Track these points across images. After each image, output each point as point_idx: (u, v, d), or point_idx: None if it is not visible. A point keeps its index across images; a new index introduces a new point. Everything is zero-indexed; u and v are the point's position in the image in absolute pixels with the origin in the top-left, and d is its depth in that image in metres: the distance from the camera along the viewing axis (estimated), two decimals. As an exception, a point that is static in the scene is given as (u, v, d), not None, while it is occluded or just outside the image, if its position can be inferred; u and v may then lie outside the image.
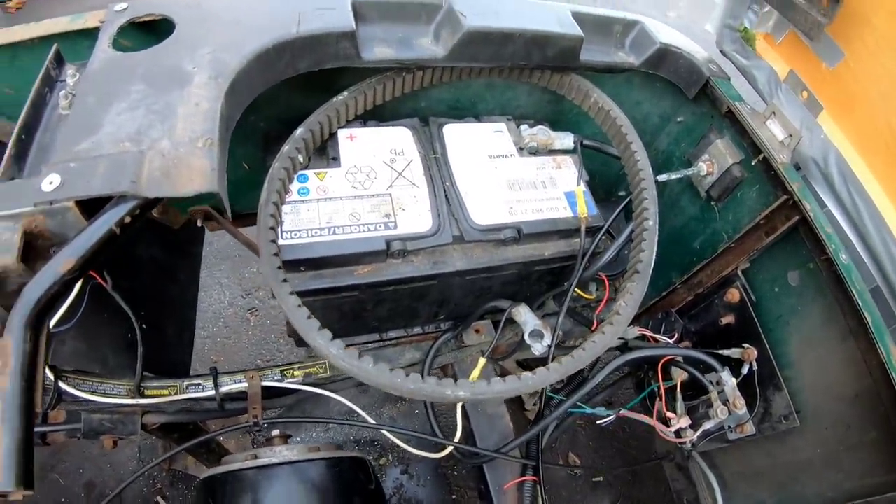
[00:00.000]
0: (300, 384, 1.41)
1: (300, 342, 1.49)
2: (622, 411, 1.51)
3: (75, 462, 2.21)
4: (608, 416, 1.50)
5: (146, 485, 2.14)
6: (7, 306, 0.85)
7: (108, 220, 0.91)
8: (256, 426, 1.32)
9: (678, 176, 1.45)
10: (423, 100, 1.46)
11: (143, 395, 1.38)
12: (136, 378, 1.36)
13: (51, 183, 0.89)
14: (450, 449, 1.39)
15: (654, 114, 1.55)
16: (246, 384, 1.39)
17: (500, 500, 1.42)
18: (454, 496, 2.09)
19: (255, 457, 1.22)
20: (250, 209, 1.74)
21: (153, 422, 1.46)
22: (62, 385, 1.29)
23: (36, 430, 1.55)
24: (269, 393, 1.41)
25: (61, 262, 0.88)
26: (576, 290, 1.41)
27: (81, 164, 0.91)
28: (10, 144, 1.07)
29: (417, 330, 1.51)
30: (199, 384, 1.41)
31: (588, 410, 1.51)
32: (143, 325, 1.39)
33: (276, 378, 1.41)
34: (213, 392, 1.39)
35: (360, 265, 1.21)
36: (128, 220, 0.93)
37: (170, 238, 1.62)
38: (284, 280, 1.06)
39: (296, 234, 1.17)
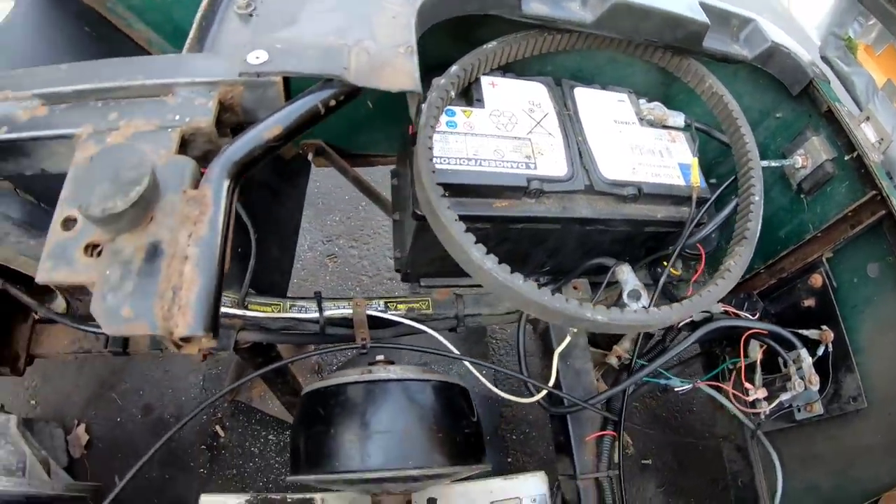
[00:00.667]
0: (402, 317, 1.50)
1: (406, 277, 1.59)
2: (698, 381, 1.62)
3: (135, 383, 2.26)
4: (685, 385, 1.61)
5: (207, 413, 2.19)
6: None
7: (315, 98, 1.00)
8: (364, 349, 1.40)
9: (777, 164, 1.60)
10: (550, 64, 1.59)
11: (247, 309, 1.44)
12: (243, 290, 1.42)
13: (257, 58, 0.98)
14: (541, 395, 1.48)
15: (754, 108, 1.70)
16: (350, 311, 1.47)
17: (580, 451, 1.51)
18: (510, 459, 2.17)
19: (370, 373, 1.29)
20: (362, 150, 1.85)
21: (247, 339, 1.53)
22: None
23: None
24: (369, 323, 1.48)
25: (269, 128, 0.96)
26: (664, 262, 1.54)
27: (289, 45, 1.00)
28: (193, 30, 1.16)
29: (520, 279, 1.60)
30: (302, 306, 1.48)
31: (664, 381, 1.62)
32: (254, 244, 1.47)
33: (379, 308, 1.50)
34: (316, 315, 1.46)
35: (498, 198, 1.32)
36: (332, 103, 1.02)
37: (280, 166, 1.70)
38: (444, 194, 1.16)
39: (444, 161, 1.28)
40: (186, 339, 0.77)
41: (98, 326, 0.75)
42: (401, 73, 1.04)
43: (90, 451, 2.15)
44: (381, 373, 1.27)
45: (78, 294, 1.47)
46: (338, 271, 2.74)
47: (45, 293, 1.77)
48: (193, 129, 0.94)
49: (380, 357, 1.38)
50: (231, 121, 1.02)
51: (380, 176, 1.91)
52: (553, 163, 1.36)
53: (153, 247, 0.78)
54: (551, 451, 2.17)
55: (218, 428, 2.25)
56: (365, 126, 1.61)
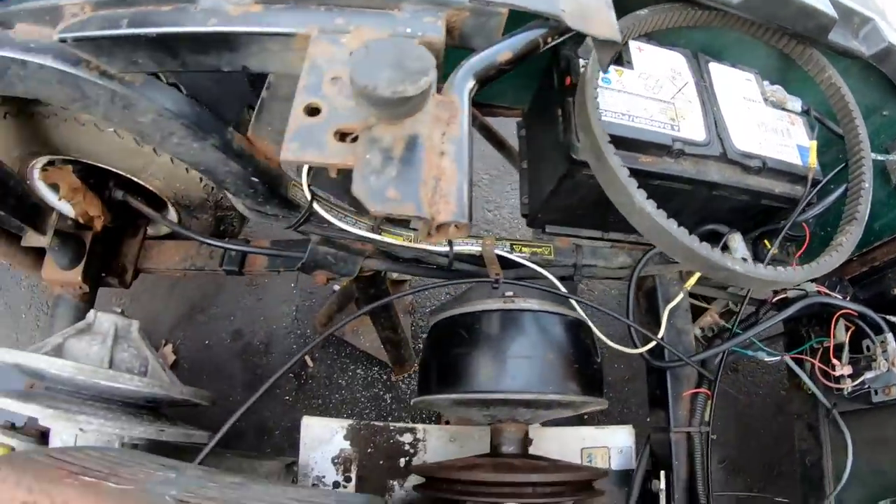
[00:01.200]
0: (526, 260, 1.60)
1: (532, 223, 1.70)
2: (786, 354, 1.74)
3: (227, 308, 2.34)
4: (774, 357, 1.73)
5: (297, 342, 2.28)
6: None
7: (536, 34, 1.10)
8: (497, 282, 1.49)
9: (881, 158, 1.73)
10: (683, 37, 1.70)
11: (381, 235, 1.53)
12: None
13: (487, -11, 1.07)
14: (650, 346, 1.59)
15: (862, 103, 1.80)
16: (479, 248, 1.57)
17: (676, 405, 1.63)
18: (585, 416, 2.27)
19: (513, 302, 1.40)
20: (488, 101, 1.94)
21: (371, 267, 1.61)
22: (315, 206, 1.41)
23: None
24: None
25: (502, 52, 1.08)
26: (765, 241, 1.67)
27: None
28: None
29: (633, 237, 1.71)
30: (432, 239, 1.57)
31: (752, 352, 1.73)
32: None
33: (506, 249, 1.59)
34: (446, 248, 1.56)
35: (644, 154, 1.44)
36: (549, 40, 1.12)
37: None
38: (609, 141, 1.27)
39: (602, 113, 1.38)
40: (441, 227, 0.86)
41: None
42: (605, 23, 1.15)
43: (175, 371, 2.23)
44: (524, 303, 1.36)
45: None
46: None
47: (161, 209, 1.85)
48: (426, 42, 1.02)
49: (509, 293, 1.48)
50: (447, 43, 1.11)
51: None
52: (693, 128, 1.47)
53: (412, 139, 0.88)
54: (624, 412, 2.29)
55: (307, 358, 2.34)
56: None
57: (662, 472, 1.59)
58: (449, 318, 1.42)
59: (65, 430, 1.40)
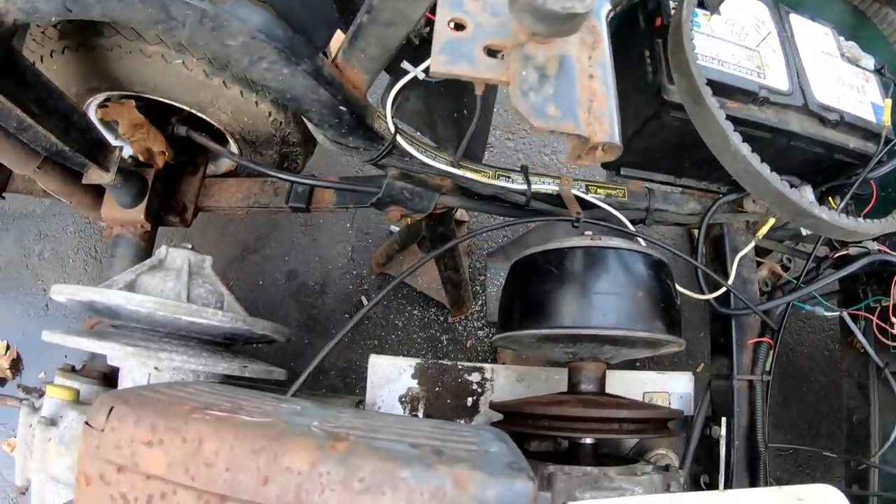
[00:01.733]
0: (601, 202, 1.62)
1: (607, 164, 1.72)
2: (844, 310, 1.79)
3: (281, 249, 2.36)
4: (833, 312, 1.78)
5: (353, 283, 2.31)
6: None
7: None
8: (577, 221, 1.52)
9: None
10: (762, -12, 1.72)
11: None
12: (459, 151, 1.51)
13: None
14: (719, 293, 1.63)
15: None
16: (556, 187, 1.59)
17: (739, 353, 1.67)
18: (637, 363, 2.33)
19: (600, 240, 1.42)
20: None
21: (446, 204, 1.64)
22: (398, 138, 1.44)
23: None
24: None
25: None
26: (830, 198, 1.71)
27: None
28: None
29: (704, 185, 1.74)
30: (509, 176, 1.59)
31: (810, 307, 1.78)
32: (465, 111, 1.57)
33: (581, 190, 1.62)
34: (523, 186, 1.58)
35: (730, 99, 1.47)
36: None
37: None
38: (707, 83, 1.29)
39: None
40: (591, 149, 0.89)
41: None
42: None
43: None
44: (611, 242, 1.39)
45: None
46: (493, 160, 2.79)
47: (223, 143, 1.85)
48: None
49: (588, 232, 1.50)
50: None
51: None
52: (777, 76, 1.51)
53: (564, 60, 0.91)
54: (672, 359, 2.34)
55: (363, 298, 2.37)
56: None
57: (724, 419, 1.63)
58: (534, 255, 1.43)
59: (137, 370, 1.37)
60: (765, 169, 1.29)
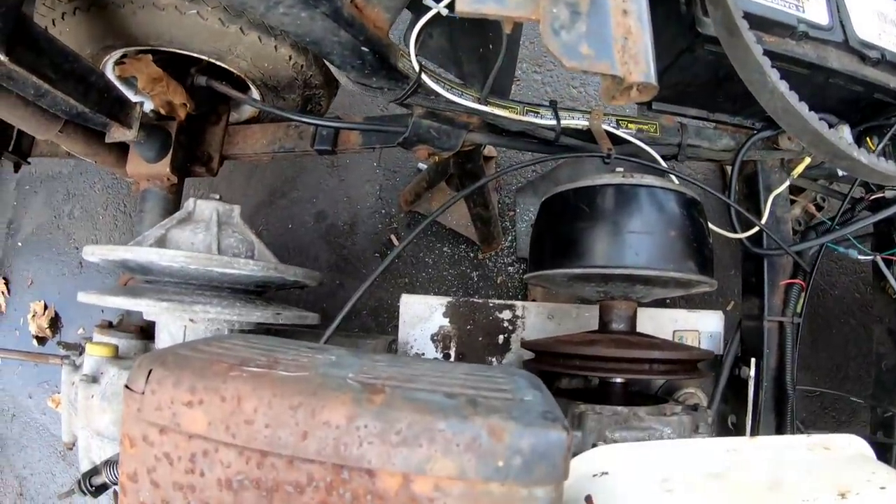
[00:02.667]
0: (632, 137, 1.59)
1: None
2: (878, 255, 1.76)
3: (309, 192, 2.38)
4: (867, 256, 1.74)
5: (382, 222, 2.33)
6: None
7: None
8: (608, 157, 1.49)
9: None
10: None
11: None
12: (486, 87, 1.47)
13: None
14: (752, 232, 1.61)
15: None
16: (585, 122, 1.55)
17: (771, 294, 1.66)
18: (667, 301, 2.33)
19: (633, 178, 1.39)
20: None
21: (474, 141, 1.62)
22: (423, 76, 1.40)
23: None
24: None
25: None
26: (867, 138, 1.65)
27: None
28: None
29: (738, 120, 1.70)
30: (538, 112, 1.55)
31: (844, 250, 1.75)
32: (490, 45, 1.52)
33: (612, 125, 1.58)
34: (553, 122, 1.54)
35: (768, 34, 1.41)
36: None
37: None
38: (743, 16, 1.24)
39: (727, -10, 1.34)
40: (629, 88, 0.86)
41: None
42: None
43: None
44: (644, 179, 1.36)
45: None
46: (519, 94, 2.75)
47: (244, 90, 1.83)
48: None
49: (619, 169, 1.46)
50: None
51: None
52: (817, 11, 1.45)
53: (598, -6, 0.86)
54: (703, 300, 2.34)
55: (393, 237, 2.39)
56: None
57: (753, 360, 1.63)
58: (566, 192, 1.41)
59: (173, 323, 1.41)
60: (803, 108, 1.24)
